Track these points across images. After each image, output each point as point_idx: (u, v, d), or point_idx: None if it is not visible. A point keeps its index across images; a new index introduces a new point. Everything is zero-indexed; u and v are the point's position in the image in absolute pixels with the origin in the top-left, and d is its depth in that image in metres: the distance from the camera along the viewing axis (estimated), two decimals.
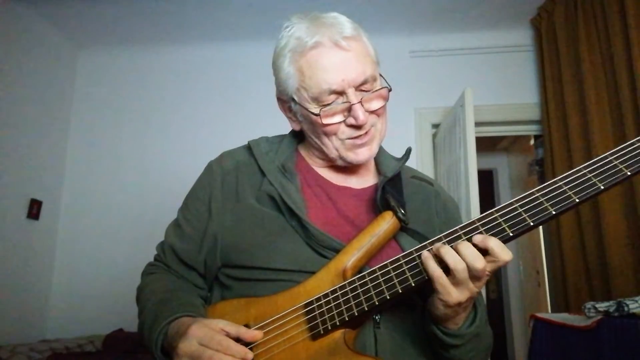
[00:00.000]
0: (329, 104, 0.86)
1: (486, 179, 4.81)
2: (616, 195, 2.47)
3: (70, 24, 3.18)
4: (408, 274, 0.74)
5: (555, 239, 2.80)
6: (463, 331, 0.78)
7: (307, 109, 0.88)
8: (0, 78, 2.79)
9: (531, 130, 3.31)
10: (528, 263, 4.53)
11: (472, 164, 2.57)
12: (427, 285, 0.75)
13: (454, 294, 0.71)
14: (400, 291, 0.74)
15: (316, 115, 0.86)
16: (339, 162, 0.93)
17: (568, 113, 2.76)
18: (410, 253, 0.76)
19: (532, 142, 4.18)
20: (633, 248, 2.37)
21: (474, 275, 0.71)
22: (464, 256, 0.70)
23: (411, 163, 1.09)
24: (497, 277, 5.19)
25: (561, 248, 2.73)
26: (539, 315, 2.09)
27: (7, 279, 2.79)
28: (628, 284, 2.34)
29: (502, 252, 0.70)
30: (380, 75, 0.91)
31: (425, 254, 0.73)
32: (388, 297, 0.74)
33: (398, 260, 0.76)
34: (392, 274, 0.75)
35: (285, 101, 0.95)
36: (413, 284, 0.74)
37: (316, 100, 0.86)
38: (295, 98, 0.90)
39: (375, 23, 3.10)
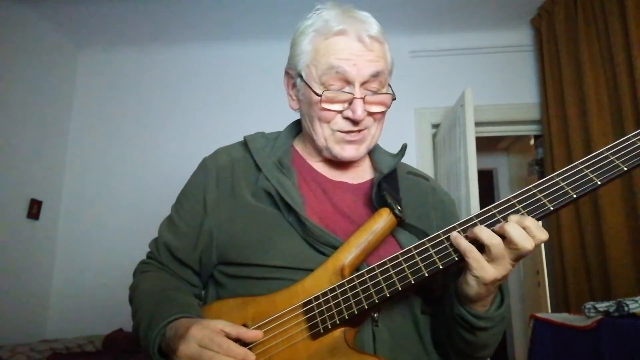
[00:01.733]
0: (333, 90, 0.85)
1: (486, 179, 4.81)
2: (616, 196, 2.47)
3: (70, 24, 3.18)
4: (407, 272, 0.74)
5: (555, 239, 2.80)
6: (491, 313, 0.78)
7: (311, 87, 0.87)
8: (0, 78, 2.79)
9: (531, 130, 3.31)
10: (528, 263, 4.52)
11: (472, 164, 2.57)
12: (426, 282, 0.75)
13: (489, 270, 0.70)
14: (400, 289, 0.74)
15: (318, 95, 0.86)
16: (325, 153, 0.92)
17: (568, 113, 2.76)
18: (409, 250, 0.76)
19: (532, 142, 4.18)
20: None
21: (514, 249, 0.69)
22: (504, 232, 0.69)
23: (411, 163, 1.09)
24: None
25: (561, 248, 2.73)
26: (539, 315, 2.09)
27: (7, 279, 2.79)
28: (628, 284, 2.33)
29: (525, 240, 0.68)
30: (389, 85, 0.91)
31: (455, 234, 0.72)
32: (388, 295, 0.74)
33: (397, 258, 0.76)
34: (392, 272, 0.75)
35: (292, 76, 0.94)
36: (413, 281, 0.74)
37: (322, 79, 0.86)
38: (303, 74, 0.90)
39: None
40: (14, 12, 2.89)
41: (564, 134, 2.81)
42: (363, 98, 0.85)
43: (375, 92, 0.87)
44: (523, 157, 4.51)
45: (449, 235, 0.74)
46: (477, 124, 2.75)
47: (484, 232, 0.70)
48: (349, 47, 0.86)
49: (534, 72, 3.16)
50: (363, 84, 0.86)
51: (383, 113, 0.90)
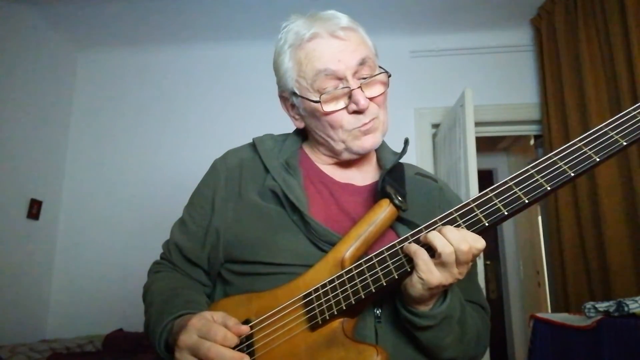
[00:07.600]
0: (328, 92, 0.86)
1: (486, 179, 4.81)
2: (616, 196, 2.47)
3: (70, 24, 3.18)
4: (404, 260, 0.74)
5: (555, 239, 2.80)
6: (433, 311, 0.76)
7: (307, 98, 0.88)
8: (0, 77, 2.79)
9: (531, 130, 3.31)
10: (528, 263, 4.53)
11: (472, 164, 2.57)
12: None
13: (436, 274, 0.71)
14: (397, 277, 0.74)
15: (316, 102, 0.87)
16: (345, 155, 0.93)
17: (568, 113, 2.76)
18: (406, 239, 0.75)
19: (532, 142, 4.18)
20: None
21: (459, 260, 0.70)
22: (450, 240, 0.70)
23: (411, 162, 1.09)
24: (497, 277, 5.18)
25: (561, 248, 2.73)
26: (539, 315, 2.09)
27: (7, 279, 2.79)
28: (628, 284, 2.34)
29: (444, 247, 0.69)
30: (380, 67, 0.92)
31: (406, 244, 0.73)
32: (384, 284, 0.74)
33: (394, 246, 0.76)
34: (389, 261, 0.75)
35: (287, 98, 0.95)
36: (409, 269, 0.73)
37: (315, 86, 0.87)
38: (296, 91, 0.91)
39: (376, 23, 3.11)
40: (14, 12, 2.89)
41: (564, 134, 2.81)
42: (360, 87, 0.86)
43: (369, 77, 0.88)
44: (523, 157, 4.51)
45: (447, 221, 0.74)
46: (477, 124, 2.75)
47: (437, 240, 0.70)
48: (327, 46, 0.87)
49: (534, 72, 3.17)
50: (354, 74, 0.87)
51: (384, 94, 0.91)
